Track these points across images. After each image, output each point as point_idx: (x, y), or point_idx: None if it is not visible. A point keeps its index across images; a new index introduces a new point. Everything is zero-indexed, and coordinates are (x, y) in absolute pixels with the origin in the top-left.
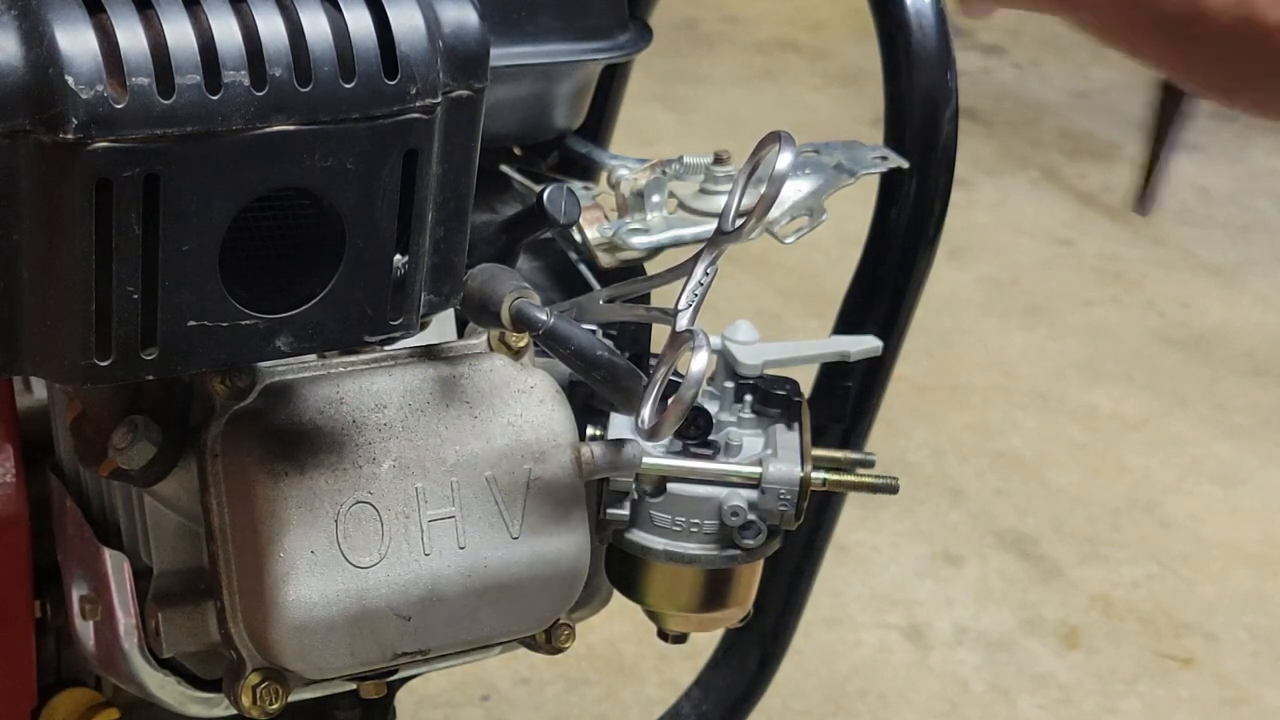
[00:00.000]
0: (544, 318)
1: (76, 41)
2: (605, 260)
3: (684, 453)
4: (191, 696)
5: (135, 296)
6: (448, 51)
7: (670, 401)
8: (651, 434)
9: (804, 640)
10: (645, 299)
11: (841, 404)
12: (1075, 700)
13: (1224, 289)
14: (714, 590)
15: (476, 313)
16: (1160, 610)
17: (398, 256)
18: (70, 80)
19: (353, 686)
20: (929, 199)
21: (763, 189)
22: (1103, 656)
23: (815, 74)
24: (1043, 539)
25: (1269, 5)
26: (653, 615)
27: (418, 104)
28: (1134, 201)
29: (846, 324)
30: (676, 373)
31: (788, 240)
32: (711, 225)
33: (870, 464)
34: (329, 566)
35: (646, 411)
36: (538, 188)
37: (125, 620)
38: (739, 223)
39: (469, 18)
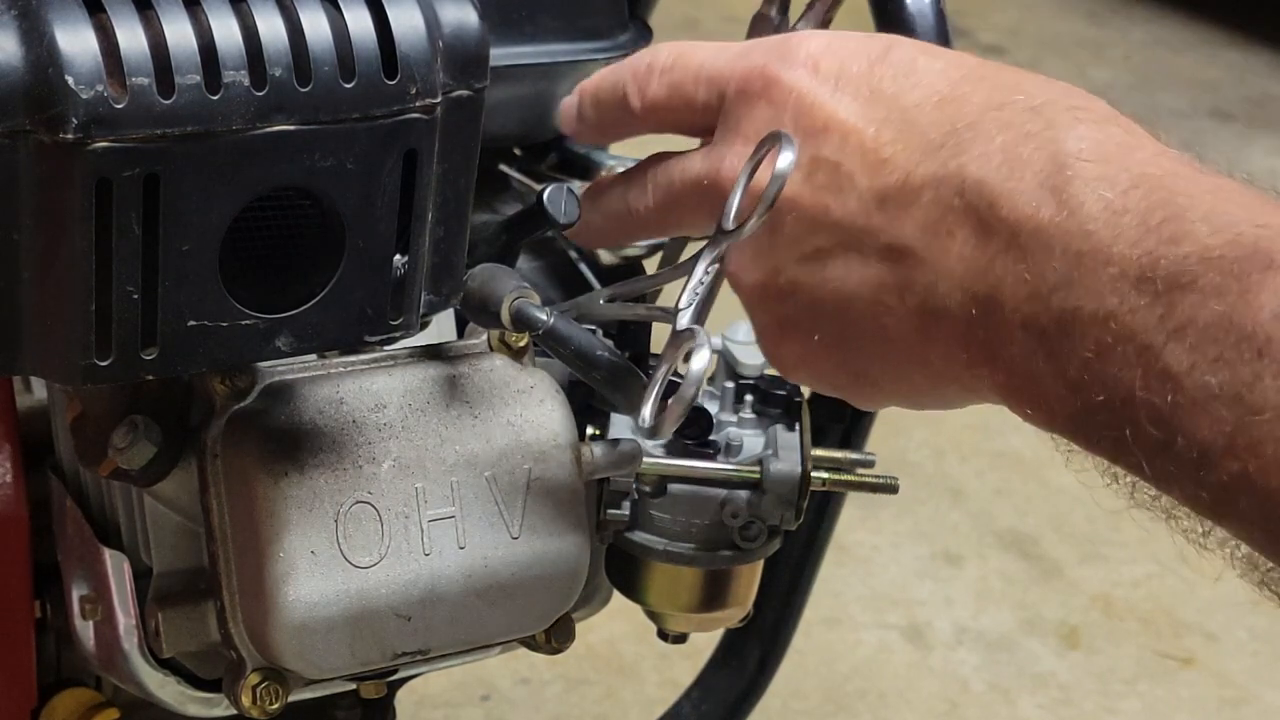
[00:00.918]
0: (544, 318)
1: (76, 41)
2: (606, 257)
3: (684, 453)
4: (191, 696)
5: (135, 296)
6: (448, 51)
7: (671, 401)
8: (652, 433)
9: (804, 640)
10: (646, 298)
11: (842, 404)
12: (1075, 700)
13: None
14: (714, 590)
15: (476, 313)
16: (1160, 610)
17: (398, 256)
18: (70, 80)
19: (353, 686)
20: None
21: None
22: (1103, 656)
23: None
24: (1043, 539)
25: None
26: (653, 615)
27: (418, 104)
28: None
29: None
30: (677, 373)
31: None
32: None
33: (870, 464)
34: (329, 566)
35: (647, 411)
36: (538, 187)
37: (125, 620)
38: (739, 222)
39: (469, 18)
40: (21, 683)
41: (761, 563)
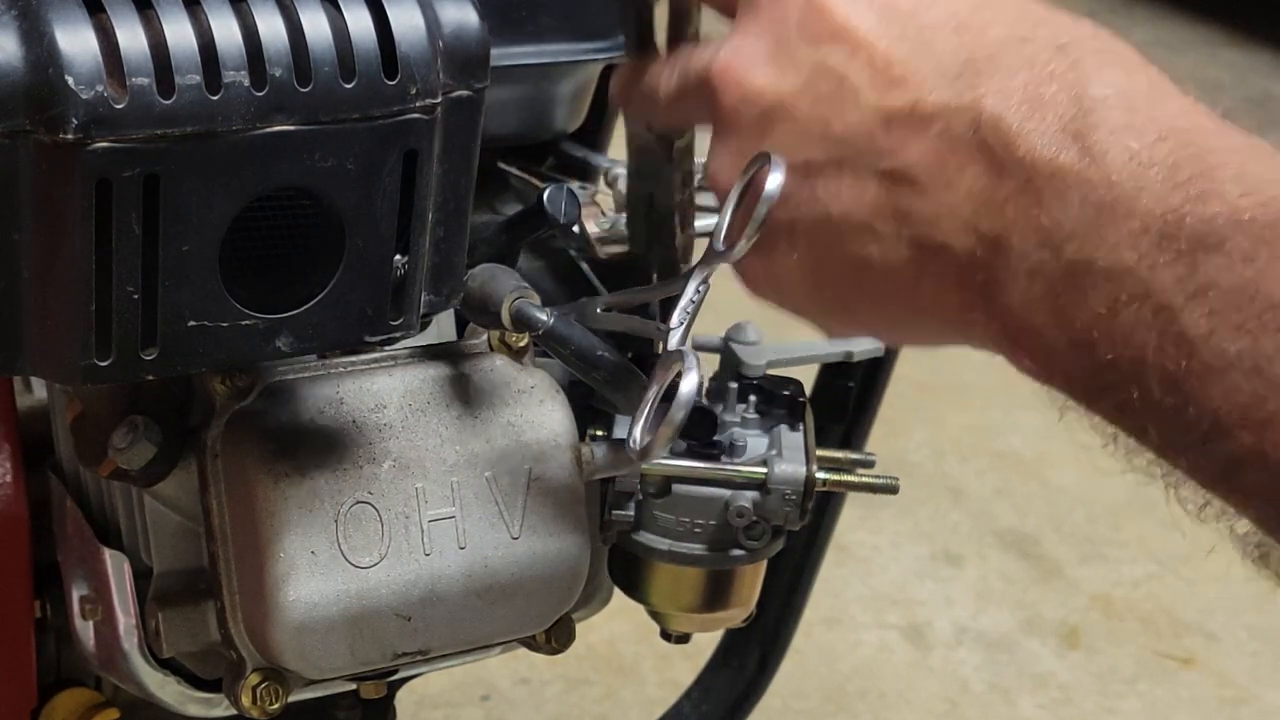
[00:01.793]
0: (544, 318)
1: (76, 41)
2: (605, 253)
3: (688, 453)
4: (191, 696)
5: (135, 296)
6: (448, 52)
7: (661, 425)
8: (642, 455)
9: (804, 640)
10: (644, 309)
11: (842, 404)
12: (1075, 700)
13: None
14: (718, 590)
15: (476, 313)
16: (1160, 610)
17: (398, 256)
18: (70, 80)
19: (353, 686)
20: None
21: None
22: (1103, 656)
23: None
24: (1043, 539)
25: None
26: (656, 615)
27: (418, 104)
28: None
29: None
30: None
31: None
32: (711, 220)
33: (870, 464)
34: (329, 566)
35: (638, 432)
36: (539, 185)
37: (125, 620)
38: (729, 243)
39: (469, 18)
40: (21, 683)
41: (765, 563)
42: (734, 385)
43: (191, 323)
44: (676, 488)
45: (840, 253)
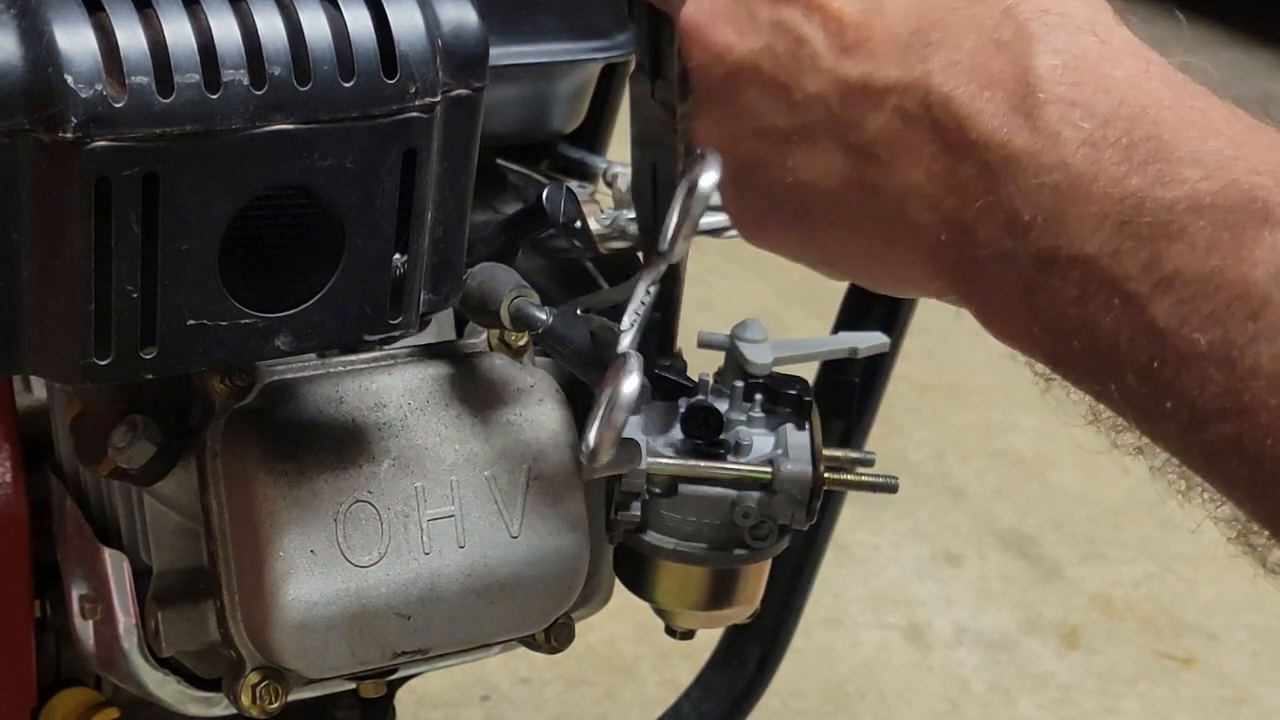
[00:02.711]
0: (544, 317)
1: (76, 40)
2: (606, 249)
3: (694, 453)
4: (191, 696)
5: (135, 296)
6: (447, 51)
7: (598, 427)
8: (591, 458)
9: (804, 640)
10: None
11: (845, 401)
12: (1075, 700)
13: None
14: (723, 589)
15: (476, 312)
16: (1160, 610)
17: (397, 256)
18: (70, 79)
19: (352, 686)
20: None
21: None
22: (1103, 656)
23: None
24: (1043, 539)
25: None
26: (661, 613)
27: (417, 103)
28: None
29: (846, 323)
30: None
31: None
32: (712, 218)
33: (870, 463)
34: (329, 566)
35: (591, 436)
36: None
37: (125, 620)
38: (671, 244)
39: (468, 17)
40: (21, 682)
41: (770, 561)
42: (739, 384)
43: (191, 322)
44: (683, 487)
45: (817, 218)
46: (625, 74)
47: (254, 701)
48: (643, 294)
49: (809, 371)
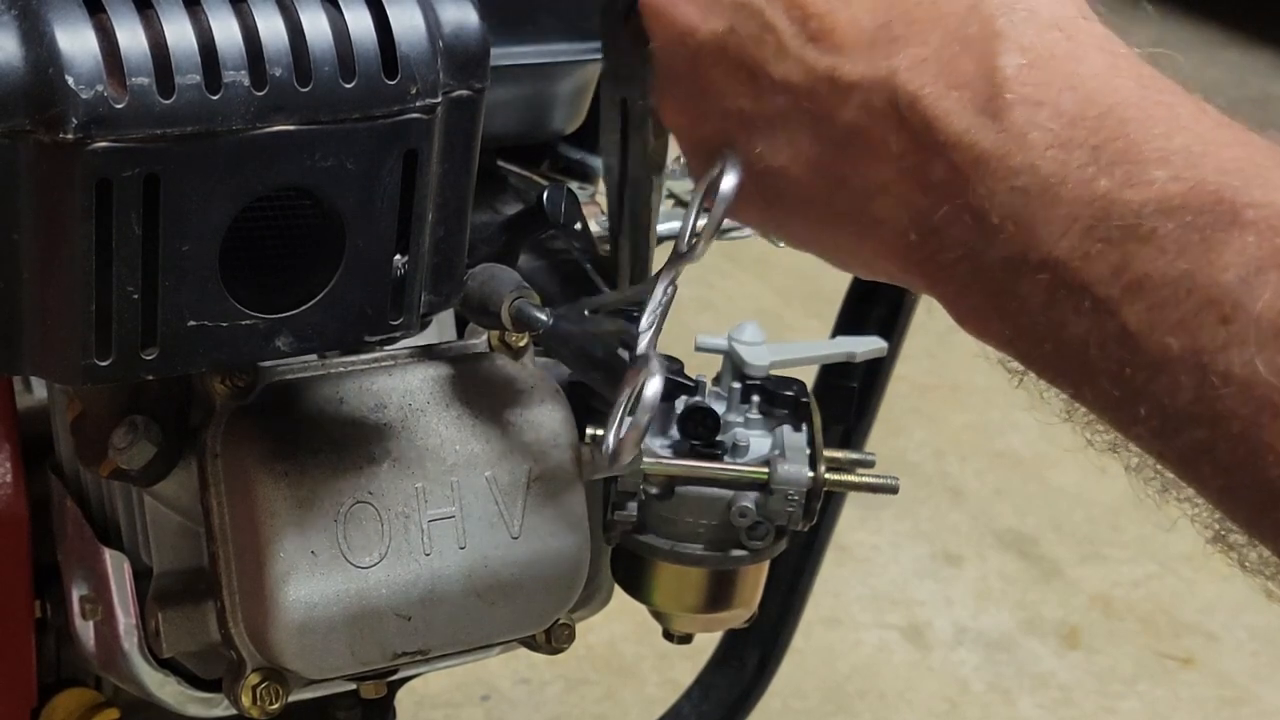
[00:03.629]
0: (544, 318)
1: (76, 41)
2: (606, 250)
3: (691, 454)
4: (191, 696)
5: (135, 296)
6: (448, 51)
7: (626, 429)
8: (613, 460)
9: (804, 640)
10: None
11: (844, 404)
12: (1075, 700)
13: None
14: (720, 591)
15: (476, 313)
16: (1160, 610)
17: (398, 256)
18: (70, 80)
19: (353, 686)
20: None
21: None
22: (1103, 656)
23: None
24: (1043, 539)
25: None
26: (658, 616)
27: (418, 104)
28: None
29: (846, 324)
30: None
31: (781, 244)
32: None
33: (870, 464)
34: (329, 566)
35: (610, 439)
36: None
37: (125, 620)
38: (691, 244)
39: (469, 18)
40: (21, 683)
41: (767, 563)
42: (737, 386)
43: (191, 322)
44: (679, 488)
45: (788, 206)
46: None
47: (254, 702)
48: (661, 294)
49: (809, 375)
